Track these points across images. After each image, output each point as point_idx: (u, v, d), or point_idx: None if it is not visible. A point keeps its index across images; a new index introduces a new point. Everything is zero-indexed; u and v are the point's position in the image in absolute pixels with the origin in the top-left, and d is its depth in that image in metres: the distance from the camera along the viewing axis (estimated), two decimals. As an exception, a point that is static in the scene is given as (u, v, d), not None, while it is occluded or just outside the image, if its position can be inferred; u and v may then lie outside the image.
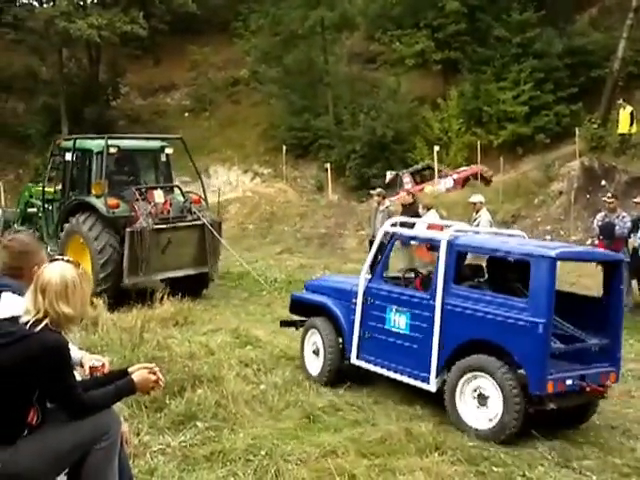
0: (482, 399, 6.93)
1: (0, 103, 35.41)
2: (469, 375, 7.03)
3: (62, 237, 13.74)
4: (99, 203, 13.38)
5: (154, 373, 3.81)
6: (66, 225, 13.74)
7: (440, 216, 14.39)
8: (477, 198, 14.29)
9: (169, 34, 35.80)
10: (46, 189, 14.85)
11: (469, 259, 8.65)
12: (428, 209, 14.09)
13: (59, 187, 14.93)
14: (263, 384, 7.06)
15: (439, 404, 6.92)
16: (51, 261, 3.58)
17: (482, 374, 6.93)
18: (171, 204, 13.98)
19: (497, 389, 6.78)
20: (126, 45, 34.06)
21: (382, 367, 7.86)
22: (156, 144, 15.15)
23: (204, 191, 15.41)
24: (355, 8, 27.40)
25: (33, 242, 4.25)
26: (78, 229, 13.42)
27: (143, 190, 13.87)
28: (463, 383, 7.04)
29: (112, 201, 13.39)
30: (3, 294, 3.74)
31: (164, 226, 13.38)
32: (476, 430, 6.70)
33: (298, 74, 28.33)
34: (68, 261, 3.54)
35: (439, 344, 7.32)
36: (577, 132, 20.94)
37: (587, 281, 12.08)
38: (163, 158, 14.86)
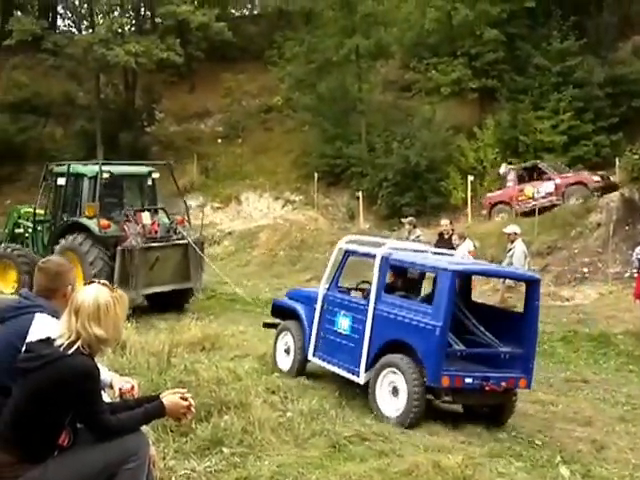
0: (395, 391, 8.21)
1: (38, 128, 35.77)
2: (387, 370, 8.33)
3: (55, 255, 14.08)
4: (92, 224, 14.75)
5: (185, 399, 3.78)
6: (59, 244, 14.95)
7: (473, 246, 14.13)
8: (511, 229, 14.10)
9: (204, 61, 36.11)
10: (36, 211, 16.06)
11: (411, 274, 10.20)
12: (462, 239, 13.98)
13: (48, 209, 16.23)
14: (290, 412, 6.91)
15: (469, 436, 7.27)
16: (87, 283, 3.62)
17: (395, 370, 8.23)
18: (159, 225, 15.50)
19: (404, 382, 8.07)
20: (162, 71, 34.40)
21: (329, 363, 9.31)
22: (143, 170, 16.68)
23: (187, 213, 17.17)
24: (391, 36, 27.25)
25: (66, 263, 4.27)
26: (71, 247, 14.62)
27: (132, 212, 15.34)
28: (382, 377, 8.35)
29: (104, 222, 14.83)
30: (37, 315, 3.80)
31: (152, 245, 14.82)
32: (388, 418, 7.92)
33: (332, 102, 28.25)
34: (103, 284, 3.57)
35: (369, 343, 8.67)
36: (617, 162, 20.54)
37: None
38: (149, 182, 16.37)
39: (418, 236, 15.41)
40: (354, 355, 8.82)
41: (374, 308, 8.76)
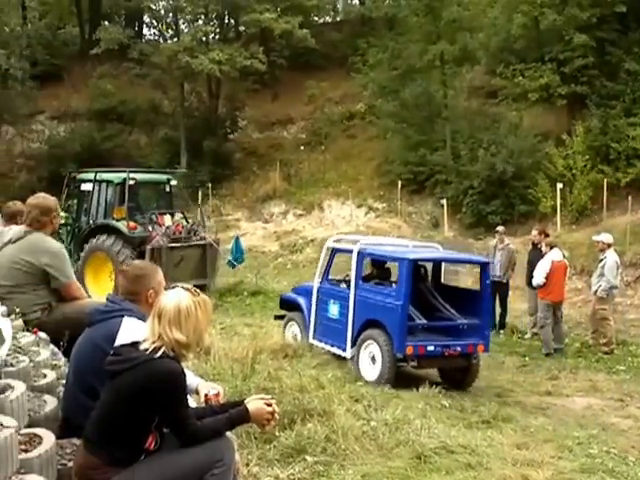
0: (373, 359, 10.38)
1: (124, 135, 36.58)
2: (366, 343, 10.53)
3: (84, 254, 16.39)
4: (121, 225, 16.35)
5: (270, 405, 3.78)
6: (87, 244, 16.41)
7: (563, 255, 13.77)
8: (602, 237, 13.69)
9: (287, 69, 36.30)
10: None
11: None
12: (551, 247, 13.72)
13: (71, 214, 17.54)
14: (373, 421, 6.85)
15: (559, 450, 7.21)
16: (172, 288, 3.66)
17: (373, 342, 10.42)
18: (182, 226, 17.27)
19: (379, 352, 10.21)
20: (245, 79, 34.66)
21: (325, 344, 11.33)
22: (163, 177, 18.35)
23: (202, 217, 19.85)
24: (476, 41, 26.74)
25: (148, 267, 4.34)
26: (101, 247, 16.12)
27: (156, 215, 17.04)
28: (363, 349, 10.56)
29: (131, 224, 16.41)
30: (125, 319, 3.87)
31: (176, 245, 16.40)
32: (367, 381, 9.96)
33: (415, 108, 27.92)
34: (186, 289, 3.60)
35: (352, 324, 10.87)
36: None
37: None
38: (167, 189, 18.03)
39: (507, 245, 15.07)
40: (342, 334, 10.96)
41: (354, 294, 10.97)
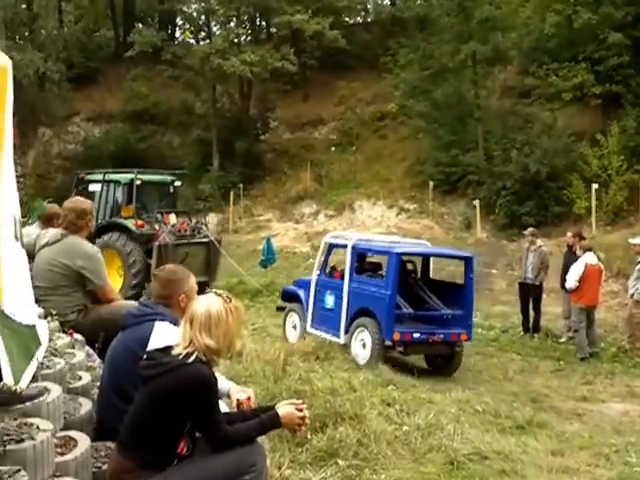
0: (364, 345, 11.39)
1: (157, 137, 36.88)
2: (358, 330, 11.54)
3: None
4: (129, 223, 17.00)
5: (301, 410, 3.77)
6: (96, 242, 15.87)
7: (598, 258, 13.61)
8: (638, 240, 13.49)
9: (318, 69, 36.30)
10: None
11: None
12: (585, 250, 13.56)
13: None
14: (406, 425, 6.81)
15: (595, 458, 7.10)
16: (204, 293, 3.67)
17: (364, 329, 11.44)
18: (188, 224, 17.96)
19: (370, 338, 11.25)
20: (276, 80, 34.74)
21: (321, 331, 12.16)
22: (168, 178, 19.06)
23: (205, 218, 20.82)
24: (509, 41, 26.51)
25: (181, 271, 4.33)
26: (110, 244, 16.48)
27: (162, 213, 17.60)
28: (355, 335, 11.57)
29: (139, 222, 17.07)
30: (157, 323, 3.92)
31: (182, 242, 16.93)
32: (358, 364, 10.82)
33: (447, 108, 27.72)
34: (218, 294, 3.60)
35: (346, 312, 11.89)
36: None
37: None
38: (171, 189, 18.79)
39: (540, 247, 14.89)
40: (337, 323, 11.97)
41: (348, 286, 12.05)
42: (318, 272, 12.99)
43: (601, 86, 23.19)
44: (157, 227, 17.20)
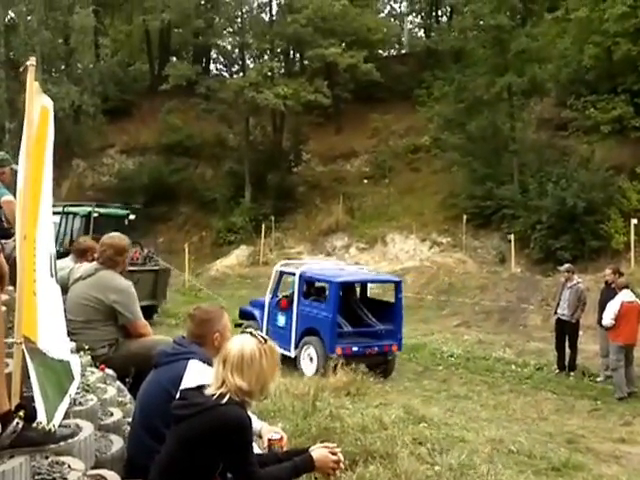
0: (310, 359, 13.43)
1: (190, 169, 37.20)
2: (306, 346, 13.62)
3: None
4: None
5: (335, 454, 3.69)
6: None
7: (636, 294, 13.31)
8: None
9: (352, 102, 36.42)
10: None
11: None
12: (622, 288, 13.30)
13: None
14: (438, 465, 6.62)
15: None
16: (240, 333, 3.63)
17: (311, 346, 13.51)
18: (140, 254, 19.49)
19: (315, 353, 13.32)
20: (309, 113, 34.94)
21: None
22: (123, 212, 20.91)
23: (157, 250, 22.62)
24: (546, 73, 26.28)
25: (214, 311, 4.36)
26: None
27: None
28: (304, 351, 13.62)
29: None
30: (191, 362, 3.85)
31: (135, 269, 17.27)
32: (305, 375, 12.20)
33: (482, 141, 27.65)
34: (253, 335, 3.54)
35: (295, 331, 13.93)
36: None
37: None
38: (126, 222, 20.17)
39: (576, 283, 14.61)
40: (288, 339, 13.77)
41: (297, 308, 14.09)
42: (271, 295, 15.04)
43: (641, 118, 22.99)
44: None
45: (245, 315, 15.74)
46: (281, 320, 14.46)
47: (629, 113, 23.03)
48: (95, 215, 18.95)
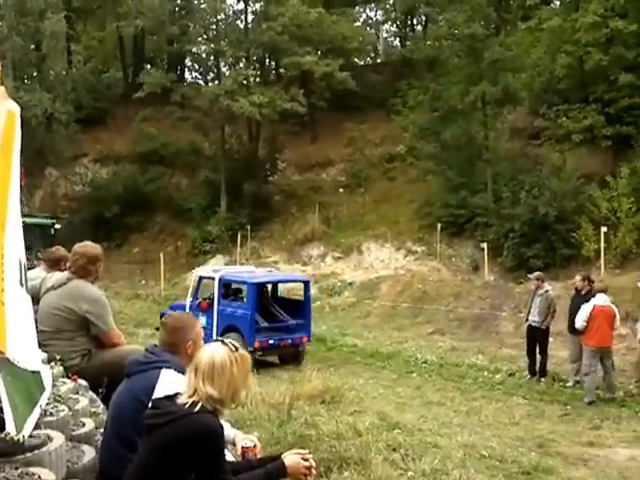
0: None
1: (165, 178, 37.04)
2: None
3: None
4: None
5: (307, 460, 3.69)
6: None
7: (609, 301, 13.48)
8: (645, 283, 13.41)
9: (327, 110, 36.49)
10: None
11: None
12: (597, 292, 13.46)
13: None
14: (411, 471, 6.72)
15: None
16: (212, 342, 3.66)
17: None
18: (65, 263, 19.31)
19: None
20: (285, 122, 34.98)
21: None
22: (49, 221, 22.43)
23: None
24: (519, 82, 26.56)
25: (187, 319, 4.39)
26: None
27: (41, 251, 18.77)
28: None
29: None
30: (163, 371, 3.88)
31: None
32: None
33: (456, 150, 27.82)
34: (224, 343, 3.54)
35: (217, 329, 15.51)
36: None
37: None
38: (52, 231, 21.77)
39: (546, 291, 14.78)
40: (210, 337, 16.45)
41: (217, 308, 15.90)
42: (191, 298, 16.75)
43: (611, 127, 23.22)
44: (36, 263, 19.47)
45: None
46: (202, 320, 15.19)
47: (600, 122, 23.27)
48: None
